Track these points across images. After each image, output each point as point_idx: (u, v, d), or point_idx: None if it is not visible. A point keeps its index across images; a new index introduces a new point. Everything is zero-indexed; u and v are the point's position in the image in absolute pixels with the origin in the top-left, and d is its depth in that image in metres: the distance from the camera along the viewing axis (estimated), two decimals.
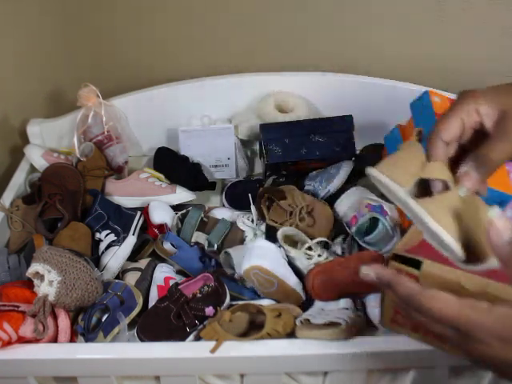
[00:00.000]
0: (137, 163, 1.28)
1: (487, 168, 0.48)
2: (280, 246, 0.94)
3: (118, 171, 1.21)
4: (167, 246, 0.99)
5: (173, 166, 1.17)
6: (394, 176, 0.54)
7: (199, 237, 1.02)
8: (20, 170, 1.17)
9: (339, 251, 0.95)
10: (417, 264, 0.70)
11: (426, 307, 0.43)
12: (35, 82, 1.25)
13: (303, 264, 0.91)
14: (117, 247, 0.97)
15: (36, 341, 0.76)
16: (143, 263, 0.97)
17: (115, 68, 1.29)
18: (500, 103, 0.48)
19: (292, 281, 0.88)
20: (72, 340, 0.82)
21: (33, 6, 1.17)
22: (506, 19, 1.11)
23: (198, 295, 0.87)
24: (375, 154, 1.13)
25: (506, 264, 0.42)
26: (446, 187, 0.50)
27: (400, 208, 0.94)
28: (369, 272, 0.48)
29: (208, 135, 1.17)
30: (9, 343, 0.74)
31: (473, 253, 0.47)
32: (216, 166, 1.22)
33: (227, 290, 0.86)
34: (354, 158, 1.12)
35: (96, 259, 0.98)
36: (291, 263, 0.93)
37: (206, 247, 1.01)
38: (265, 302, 0.87)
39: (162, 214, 1.04)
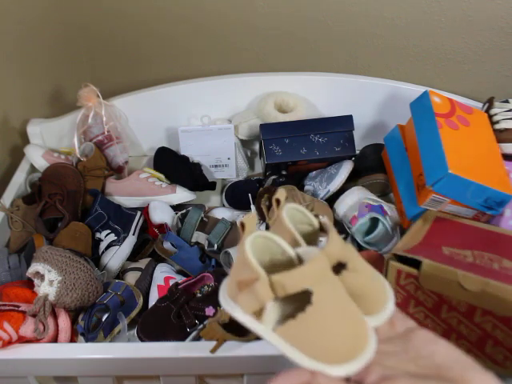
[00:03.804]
0: (137, 163, 1.29)
1: None
2: None
3: (118, 171, 1.21)
4: (167, 245, 0.99)
5: (173, 166, 1.17)
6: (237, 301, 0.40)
7: (199, 237, 1.02)
8: (20, 170, 1.17)
9: None
10: (417, 264, 0.70)
11: None
12: (35, 81, 1.25)
13: None
14: (117, 247, 0.97)
15: (36, 341, 0.76)
16: (143, 263, 0.97)
17: (115, 68, 1.30)
18: None
19: None
20: (72, 340, 0.82)
21: (33, 6, 1.17)
22: (505, 18, 1.11)
23: (198, 295, 0.87)
24: (375, 154, 1.13)
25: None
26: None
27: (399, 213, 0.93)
28: None
29: (208, 135, 1.17)
30: (9, 343, 0.74)
31: None
32: (216, 166, 1.22)
33: None
34: (353, 158, 1.12)
35: (96, 259, 0.98)
36: None
37: (206, 247, 1.01)
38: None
39: (162, 214, 1.04)
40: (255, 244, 0.40)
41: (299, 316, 0.37)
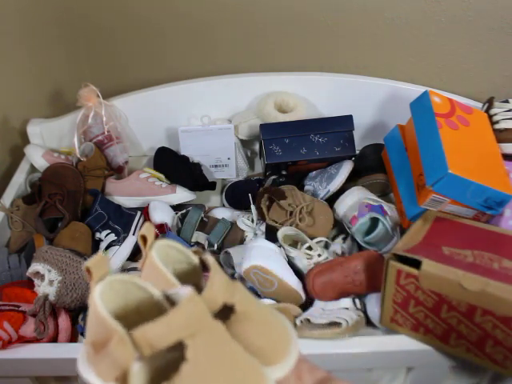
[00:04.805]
0: (137, 163, 1.29)
1: None
2: (280, 246, 0.94)
3: (118, 171, 1.21)
4: None
5: (173, 166, 1.17)
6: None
7: (199, 237, 1.02)
8: (20, 170, 1.17)
9: (339, 251, 0.95)
10: (417, 264, 0.70)
11: None
12: (35, 82, 1.25)
13: (303, 264, 0.91)
14: (117, 247, 0.97)
15: (36, 340, 0.76)
16: None
17: (115, 68, 1.29)
18: None
19: (292, 281, 0.88)
20: (72, 340, 0.82)
21: (33, 6, 1.17)
22: (505, 18, 1.11)
23: None
24: (375, 154, 1.13)
25: None
26: None
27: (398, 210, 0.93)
28: None
29: (208, 135, 1.17)
30: (9, 343, 0.74)
31: None
32: (216, 166, 1.22)
33: None
34: (353, 158, 1.12)
35: None
36: (291, 263, 0.93)
37: (206, 247, 1.01)
38: (265, 302, 0.87)
39: (161, 214, 1.04)
40: (112, 290, 0.32)
41: (174, 379, 0.29)
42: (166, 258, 0.37)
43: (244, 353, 0.32)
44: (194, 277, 0.38)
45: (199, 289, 0.36)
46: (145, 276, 0.37)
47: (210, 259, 0.36)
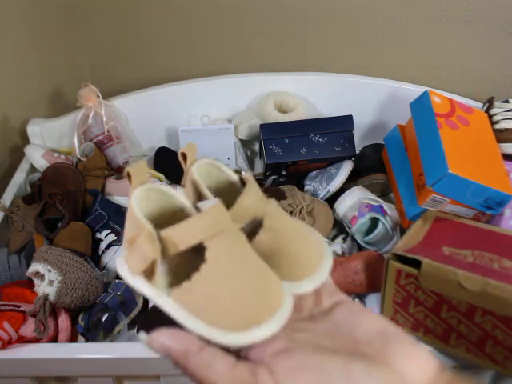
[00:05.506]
0: None
1: None
2: None
3: (118, 171, 1.21)
4: None
5: (173, 165, 1.17)
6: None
7: None
8: (20, 170, 1.17)
9: (339, 251, 0.95)
10: (417, 264, 0.70)
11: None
12: (35, 81, 1.25)
13: None
14: (117, 247, 0.97)
15: (36, 340, 0.76)
16: None
17: (115, 68, 1.29)
18: None
19: None
20: (72, 340, 0.82)
21: (33, 6, 1.17)
22: (505, 18, 1.11)
23: None
24: (375, 153, 1.13)
25: None
26: None
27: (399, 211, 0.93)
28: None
29: (208, 135, 1.17)
30: (9, 343, 0.74)
31: None
32: None
33: None
34: (353, 158, 1.12)
35: (96, 259, 0.98)
36: None
37: None
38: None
39: None
40: (149, 199, 0.35)
41: (194, 276, 0.31)
42: (208, 175, 0.38)
43: (261, 261, 0.33)
44: (235, 195, 0.38)
45: None
46: (186, 193, 0.38)
47: (248, 176, 0.37)
